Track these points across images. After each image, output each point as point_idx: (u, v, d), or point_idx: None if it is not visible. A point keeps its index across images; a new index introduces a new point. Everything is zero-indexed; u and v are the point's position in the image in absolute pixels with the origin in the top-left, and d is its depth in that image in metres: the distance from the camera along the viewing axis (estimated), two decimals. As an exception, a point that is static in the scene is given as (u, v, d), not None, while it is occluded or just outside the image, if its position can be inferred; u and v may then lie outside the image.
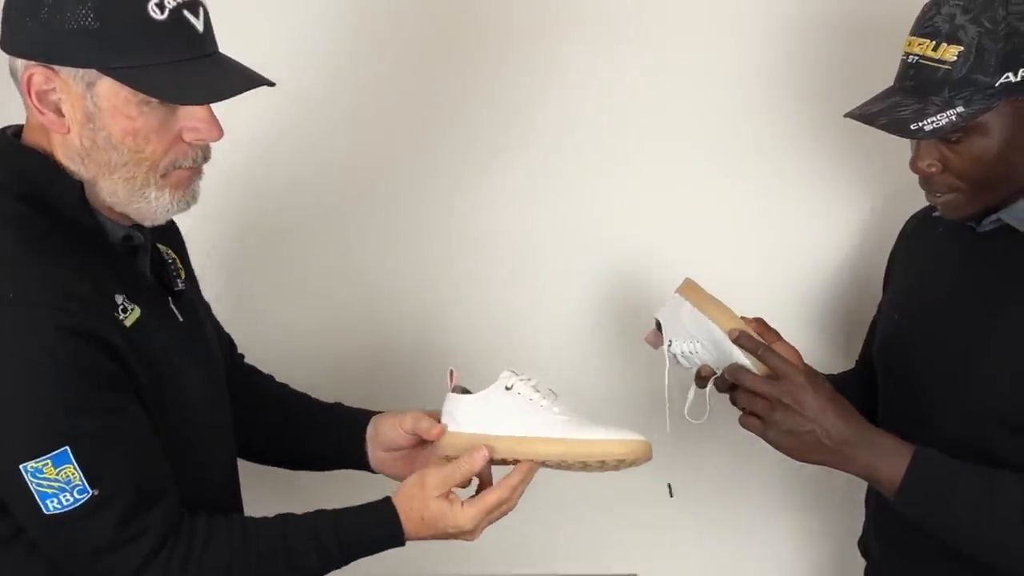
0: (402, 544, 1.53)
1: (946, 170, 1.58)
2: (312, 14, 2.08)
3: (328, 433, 1.75)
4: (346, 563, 1.51)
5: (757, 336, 1.67)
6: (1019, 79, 1.49)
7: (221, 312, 1.79)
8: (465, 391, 1.66)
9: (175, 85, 1.35)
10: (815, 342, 2.16)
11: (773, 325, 1.75)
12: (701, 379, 1.73)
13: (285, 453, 1.78)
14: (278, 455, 1.79)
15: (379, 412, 1.75)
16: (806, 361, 1.74)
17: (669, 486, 1.75)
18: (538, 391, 1.59)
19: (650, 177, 2.17)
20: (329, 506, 1.54)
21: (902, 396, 1.74)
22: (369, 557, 1.54)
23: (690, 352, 1.72)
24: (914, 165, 1.60)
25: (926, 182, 1.62)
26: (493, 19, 2.10)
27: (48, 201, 1.38)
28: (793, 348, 1.73)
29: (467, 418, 1.62)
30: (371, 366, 2.22)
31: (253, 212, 2.15)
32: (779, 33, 2.12)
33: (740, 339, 1.64)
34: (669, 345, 1.73)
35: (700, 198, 2.18)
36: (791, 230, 2.20)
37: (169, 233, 1.60)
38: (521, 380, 1.60)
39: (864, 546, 1.90)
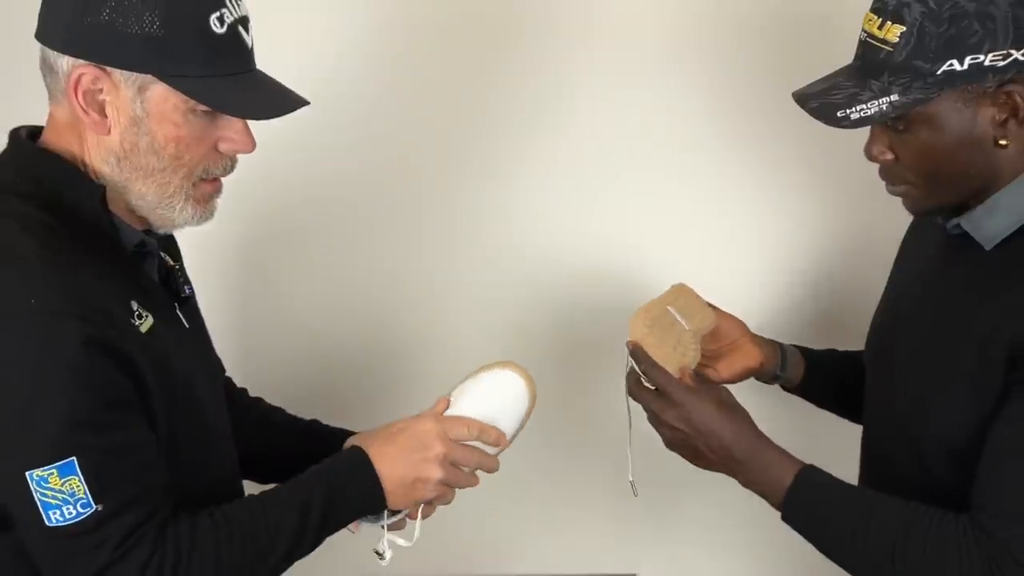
0: (366, 459, 1.49)
1: (899, 161, 1.45)
2: (313, 17, 2.10)
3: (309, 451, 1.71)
4: (329, 513, 1.46)
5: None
6: (965, 68, 1.34)
7: (227, 315, 1.85)
8: None
9: (233, 98, 1.38)
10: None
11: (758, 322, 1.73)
12: None
13: (268, 471, 1.76)
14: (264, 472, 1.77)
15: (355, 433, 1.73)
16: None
17: (632, 484, 1.71)
18: None
19: (647, 180, 2.16)
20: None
21: (875, 400, 1.65)
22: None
23: None
24: (867, 151, 1.48)
25: (883, 171, 1.49)
26: (488, 29, 2.11)
27: (67, 205, 1.38)
28: (750, 352, 1.73)
29: None
30: (370, 365, 2.23)
31: (257, 213, 2.16)
32: (772, 36, 2.08)
33: (633, 353, 1.60)
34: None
35: (695, 200, 2.17)
36: (788, 228, 2.17)
37: (168, 240, 1.59)
38: None
39: None
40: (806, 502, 1.49)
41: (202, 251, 1.77)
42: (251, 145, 1.43)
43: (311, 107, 1.98)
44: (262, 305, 2.22)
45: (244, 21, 1.40)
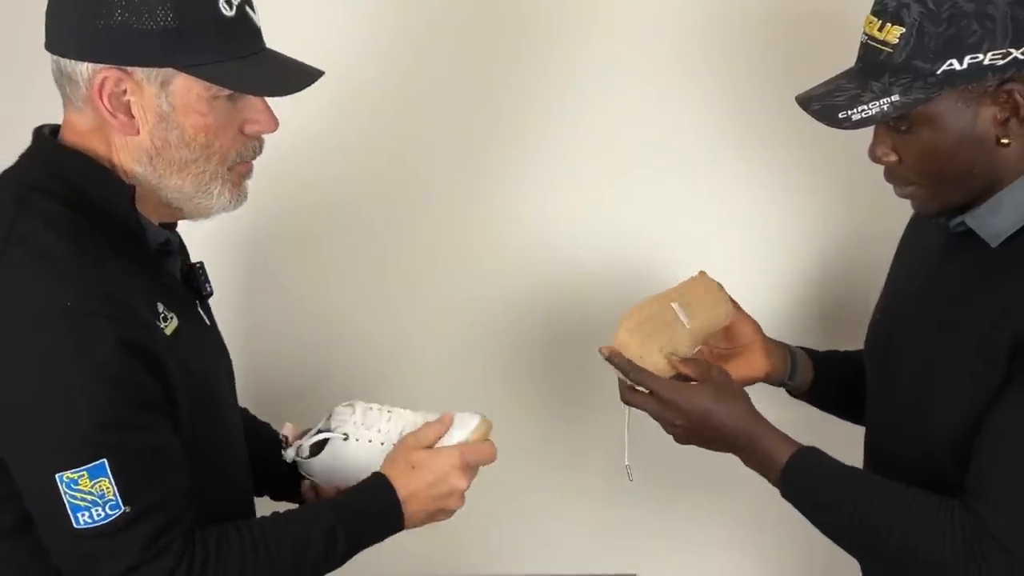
0: (395, 499, 1.52)
1: (903, 162, 1.45)
2: (322, 20, 2.10)
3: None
4: (353, 540, 1.48)
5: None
6: (964, 68, 1.35)
7: (228, 313, 1.81)
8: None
9: (253, 78, 1.38)
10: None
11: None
12: None
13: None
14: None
15: None
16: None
17: (628, 468, 1.69)
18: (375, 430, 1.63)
19: (651, 180, 2.17)
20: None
21: (877, 398, 1.65)
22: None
23: None
24: (871, 153, 1.48)
25: (888, 173, 1.49)
26: (491, 29, 2.12)
27: (94, 203, 1.37)
28: (757, 363, 1.73)
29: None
30: (376, 365, 2.23)
31: (262, 214, 2.11)
32: (778, 36, 2.08)
33: (611, 359, 1.61)
34: None
35: (698, 199, 2.18)
36: (792, 227, 2.17)
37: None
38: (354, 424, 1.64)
39: None
40: (800, 483, 1.52)
41: (201, 251, 1.77)
42: (274, 123, 1.43)
43: (317, 108, 2.00)
44: (265, 305, 2.22)
45: (249, 1, 1.40)
